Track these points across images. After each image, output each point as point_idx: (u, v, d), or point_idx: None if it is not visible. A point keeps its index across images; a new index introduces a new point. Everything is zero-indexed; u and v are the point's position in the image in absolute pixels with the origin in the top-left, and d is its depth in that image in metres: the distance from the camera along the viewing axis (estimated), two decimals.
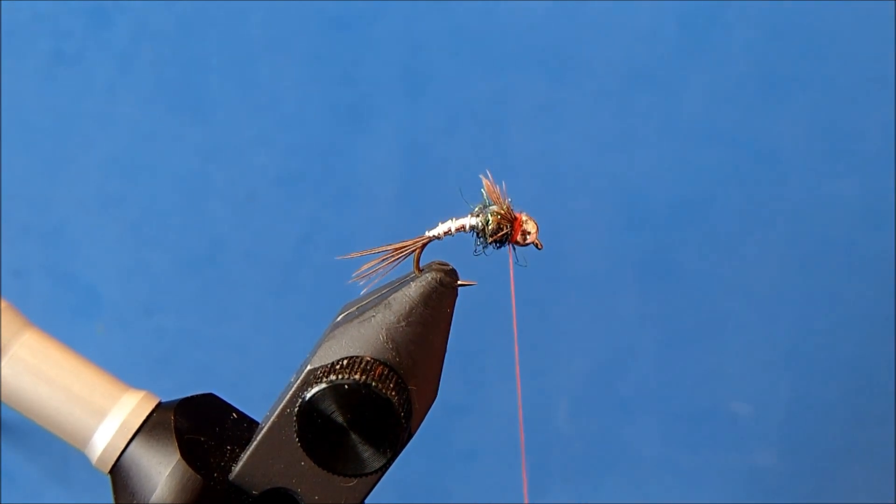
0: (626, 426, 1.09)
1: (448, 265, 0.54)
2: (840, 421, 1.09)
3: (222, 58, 1.09)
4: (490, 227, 0.53)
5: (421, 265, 0.54)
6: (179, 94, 1.09)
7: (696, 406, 1.09)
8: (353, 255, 0.54)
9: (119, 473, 0.53)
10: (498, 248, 0.54)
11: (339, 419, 0.50)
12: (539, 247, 0.54)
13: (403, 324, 0.51)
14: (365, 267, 0.53)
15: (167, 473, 0.51)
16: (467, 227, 0.54)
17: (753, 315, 1.09)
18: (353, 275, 0.54)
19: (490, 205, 0.53)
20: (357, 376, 0.49)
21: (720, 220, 1.08)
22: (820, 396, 1.09)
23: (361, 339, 0.51)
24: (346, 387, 0.49)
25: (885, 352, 1.07)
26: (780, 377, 1.09)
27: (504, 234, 0.53)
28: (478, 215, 0.53)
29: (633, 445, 1.09)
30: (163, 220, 1.09)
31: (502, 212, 0.53)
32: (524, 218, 0.53)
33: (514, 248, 0.54)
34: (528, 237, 0.53)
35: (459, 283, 0.53)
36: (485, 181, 0.54)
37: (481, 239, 0.54)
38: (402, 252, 0.54)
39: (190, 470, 0.51)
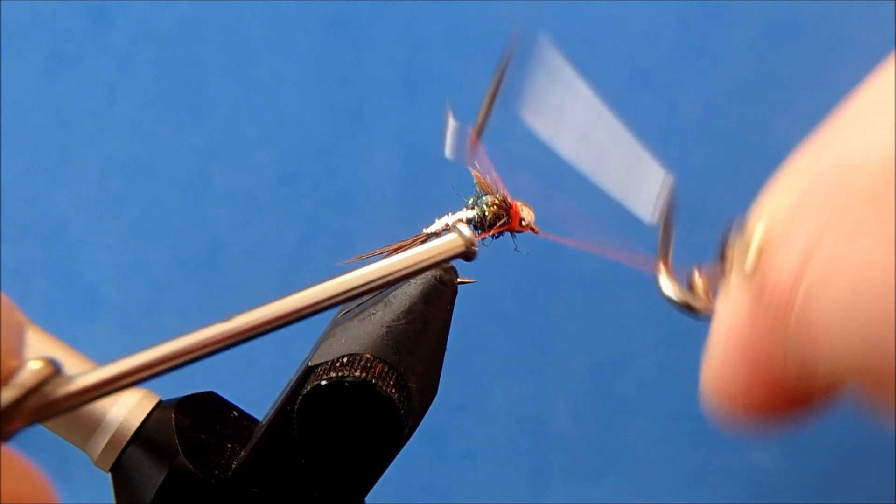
0: (626, 426, 1.09)
1: (448, 263, 0.54)
2: (840, 420, 1.09)
3: (222, 58, 1.09)
4: (488, 218, 0.53)
5: None
6: (179, 94, 1.09)
7: (696, 406, 1.09)
8: (353, 259, 0.54)
9: (119, 471, 0.53)
10: (496, 237, 0.54)
11: (339, 417, 0.50)
12: (536, 231, 0.54)
13: (403, 321, 0.51)
14: None
15: (168, 471, 0.51)
16: (464, 220, 0.54)
17: None
18: None
19: (483, 195, 0.54)
20: (357, 374, 0.49)
21: (720, 220, 1.08)
22: None
23: (361, 336, 0.51)
24: (346, 384, 0.49)
25: None
26: None
27: (503, 222, 0.54)
28: (473, 207, 0.54)
29: (633, 445, 1.09)
30: (163, 220, 1.09)
31: (497, 201, 0.53)
32: (519, 205, 0.54)
33: (513, 236, 0.55)
34: (524, 223, 0.54)
35: (459, 280, 0.53)
36: (474, 172, 0.54)
37: (479, 230, 0.54)
38: (401, 251, 0.54)
39: (190, 467, 0.51)
